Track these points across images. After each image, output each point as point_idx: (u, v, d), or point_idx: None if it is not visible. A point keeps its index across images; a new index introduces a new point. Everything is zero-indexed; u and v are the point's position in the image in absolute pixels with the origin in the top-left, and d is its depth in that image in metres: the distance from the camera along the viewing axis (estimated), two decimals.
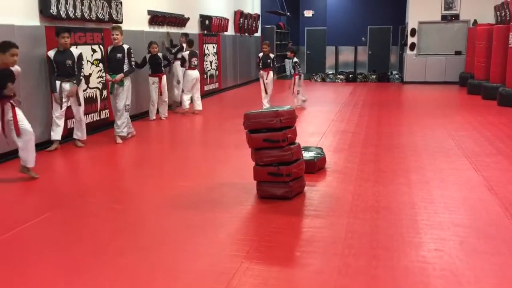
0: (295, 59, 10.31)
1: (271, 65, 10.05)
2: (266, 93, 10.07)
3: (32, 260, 3.37)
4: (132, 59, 7.12)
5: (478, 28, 12.86)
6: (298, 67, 10.25)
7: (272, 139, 4.39)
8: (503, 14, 12.46)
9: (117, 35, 6.98)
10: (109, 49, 7.17)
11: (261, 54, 10.21)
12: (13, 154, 5.76)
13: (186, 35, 10.01)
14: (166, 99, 9.16)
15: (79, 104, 6.70)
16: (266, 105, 9.88)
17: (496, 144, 6.60)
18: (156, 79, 8.85)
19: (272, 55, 10.14)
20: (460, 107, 10.40)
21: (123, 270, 3.19)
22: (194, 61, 9.65)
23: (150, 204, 4.51)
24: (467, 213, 4.13)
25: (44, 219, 4.12)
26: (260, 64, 10.07)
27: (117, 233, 3.82)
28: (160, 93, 8.93)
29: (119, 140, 7.09)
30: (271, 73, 10.07)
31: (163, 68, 9.00)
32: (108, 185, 5.18)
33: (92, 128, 7.56)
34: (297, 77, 10.20)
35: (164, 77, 9.01)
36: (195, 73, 9.66)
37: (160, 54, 8.95)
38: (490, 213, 4.12)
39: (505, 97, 10.01)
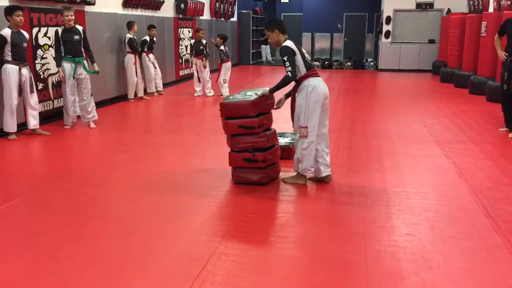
0: (222, 47, 9.97)
1: (204, 52, 9.89)
2: (200, 81, 10.04)
3: (5, 247, 3.30)
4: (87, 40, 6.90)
5: (452, 17, 13.03)
6: (223, 55, 9.95)
7: (247, 125, 4.39)
8: (475, 3, 12.66)
9: (71, 16, 6.60)
10: (60, 31, 6.68)
11: (193, 41, 10.14)
12: None
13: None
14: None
15: (32, 92, 6.29)
16: (199, 93, 10.05)
17: (467, 132, 6.74)
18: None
19: (204, 41, 9.98)
20: (433, 95, 10.56)
21: (97, 256, 3.15)
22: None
23: (125, 190, 4.47)
24: (438, 198, 4.22)
25: (14, 204, 4.04)
26: (193, 51, 9.98)
27: (91, 219, 3.78)
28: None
29: (92, 125, 6.98)
30: (203, 60, 9.92)
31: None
32: (82, 170, 5.10)
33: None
34: (223, 65, 9.91)
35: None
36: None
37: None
38: (460, 199, 4.22)
39: (476, 85, 10.20)
